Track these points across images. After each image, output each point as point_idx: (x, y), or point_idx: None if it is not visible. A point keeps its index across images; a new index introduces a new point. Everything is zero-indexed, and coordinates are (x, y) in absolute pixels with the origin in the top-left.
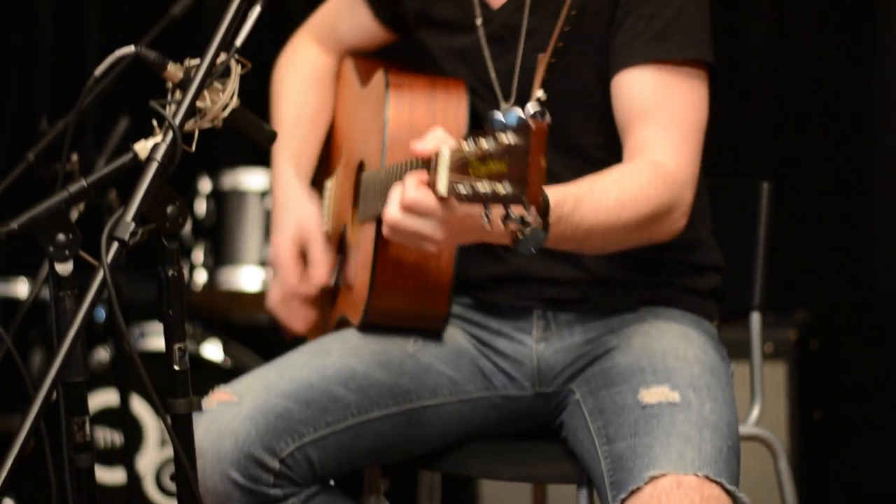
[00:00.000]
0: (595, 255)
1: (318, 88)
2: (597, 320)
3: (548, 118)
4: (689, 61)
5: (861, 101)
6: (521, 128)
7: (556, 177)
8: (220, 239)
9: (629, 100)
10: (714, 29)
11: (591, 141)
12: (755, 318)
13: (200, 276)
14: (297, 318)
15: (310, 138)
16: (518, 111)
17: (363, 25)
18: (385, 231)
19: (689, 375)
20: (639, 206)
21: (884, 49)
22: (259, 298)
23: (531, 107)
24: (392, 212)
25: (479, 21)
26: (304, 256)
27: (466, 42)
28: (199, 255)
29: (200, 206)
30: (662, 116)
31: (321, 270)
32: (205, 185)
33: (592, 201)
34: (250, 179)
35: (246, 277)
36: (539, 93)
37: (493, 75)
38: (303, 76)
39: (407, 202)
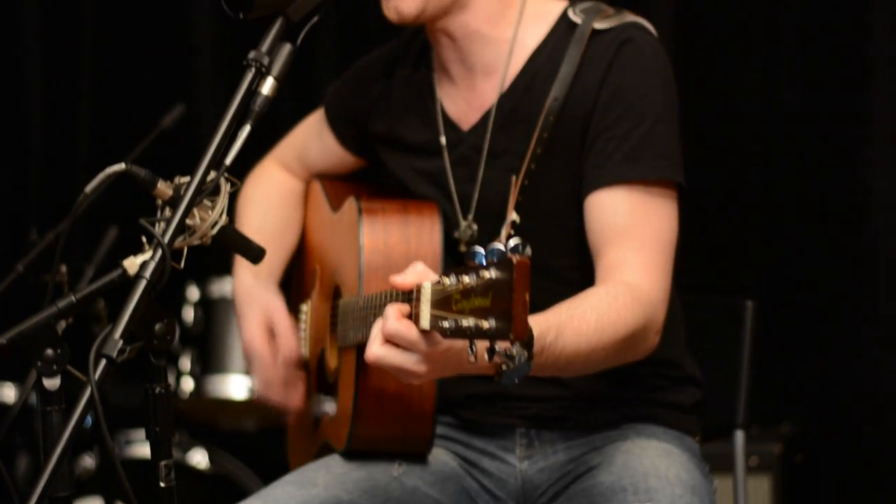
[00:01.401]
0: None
1: (284, 208)
2: (579, 437)
3: (528, 251)
4: (660, 181)
5: (841, 220)
6: (504, 263)
7: (533, 302)
8: (207, 347)
9: (602, 220)
10: (684, 152)
11: (564, 262)
12: (739, 437)
13: (187, 384)
14: (287, 397)
15: (275, 253)
16: (499, 245)
17: (330, 151)
18: (367, 360)
19: (671, 496)
20: (616, 329)
21: (870, 173)
22: (246, 407)
23: (512, 241)
24: (375, 346)
25: (444, 142)
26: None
27: (432, 164)
28: (186, 362)
29: (188, 314)
30: (635, 237)
31: (288, 339)
32: (192, 293)
33: (573, 328)
34: None
35: (233, 385)
36: (513, 215)
37: (455, 197)
38: (268, 196)
39: (389, 334)
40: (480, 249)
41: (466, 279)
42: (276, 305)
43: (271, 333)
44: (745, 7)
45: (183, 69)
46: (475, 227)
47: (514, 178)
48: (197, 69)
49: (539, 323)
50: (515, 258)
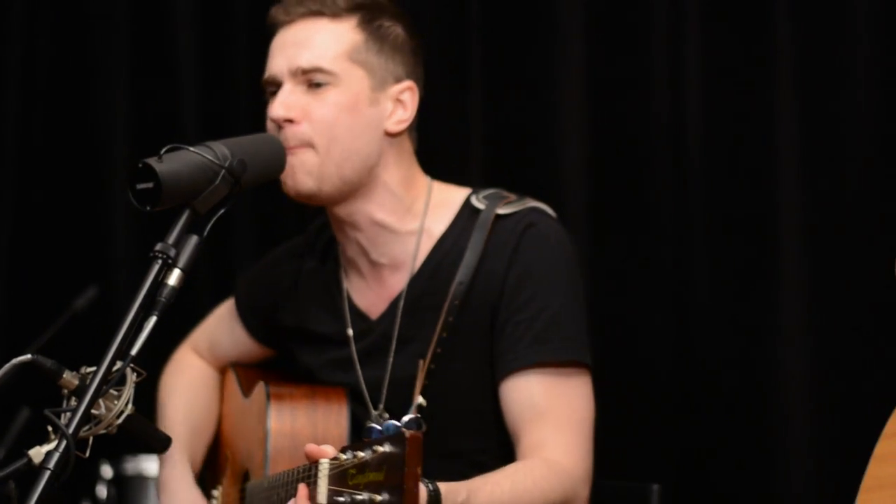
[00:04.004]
0: None
1: (205, 395)
2: None
3: (423, 427)
4: (571, 361)
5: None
6: (397, 437)
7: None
8: None
9: (519, 404)
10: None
11: (472, 445)
12: None
13: None
14: None
15: (198, 441)
16: (394, 421)
17: (241, 342)
18: None
19: None
20: (532, 498)
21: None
22: None
23: (407, 416)
24: None
25: (351, 333)
26: None
27: (341, 354)
28: None
29: (101, 492)
30: (552, 417)
31: None
32: (106, 470)
33: (486, 493)
34: (152, 466)
35: None
36: (419, 399)
37: (364, 386)
38: (189, 382)
39: None
40: (377, 426)
41: (361, 454)
42: (198, 500)
43: None
44: None
45: (99, 252)
46: (387, 415)
47: (420, 362)
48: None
49: (450, 485)
50: (408, 433)
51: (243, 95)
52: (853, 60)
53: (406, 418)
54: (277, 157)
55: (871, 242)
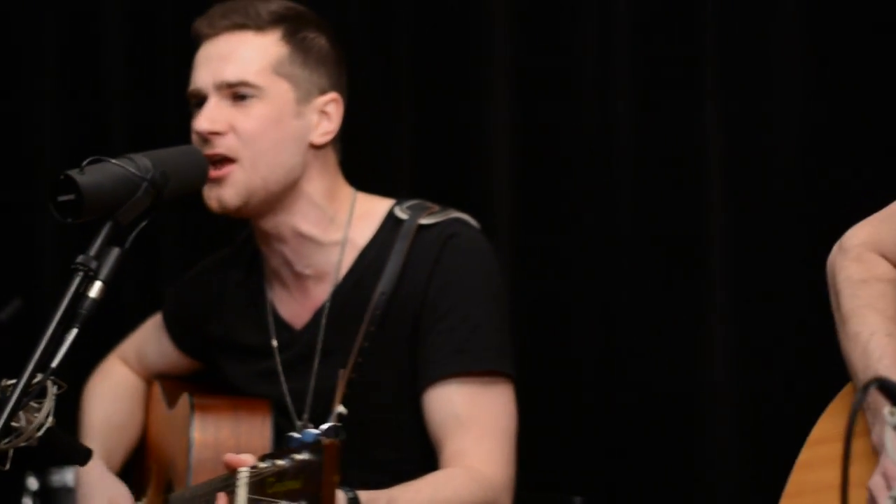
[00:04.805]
0: None
1: (127, 402)
2: None
3: (342, 435)
4: (491, 371)
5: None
6: (314, 445)
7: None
8: None
9: (440, 413)
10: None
11: (393, 455)
12: None
13: None
14: None
15: (117, 445)
16: (313, 430)
17: (167, 354)
18: None
19: None
20: None
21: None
22: None
23: (326, 425)
24: None
25: (275, 344)
26: None
27: (265, 366)
28: None
29: None
30: (474, 427)
31: None
32: (32, 482)
33: (406, 500)
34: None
35: None
36: (339, 408)
37: (287, 396)
38: (112, 390)
39: None
40: (296, 434)
41: (280, 462)
42: (123, 492)
43: None
44: None
45: (24, 264)
46: (311, 425)
47: (341, 371)
48: (39, 265)
49: (370, 493)
50: (325, 441)
51: (171, 108)
52: (779, 67)
53: (325, 426)
54: (200, 168)
55: (797, 252)
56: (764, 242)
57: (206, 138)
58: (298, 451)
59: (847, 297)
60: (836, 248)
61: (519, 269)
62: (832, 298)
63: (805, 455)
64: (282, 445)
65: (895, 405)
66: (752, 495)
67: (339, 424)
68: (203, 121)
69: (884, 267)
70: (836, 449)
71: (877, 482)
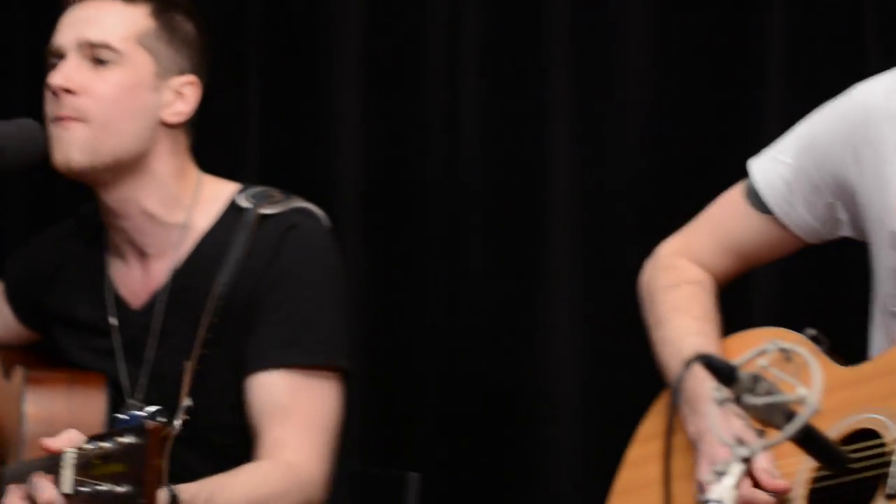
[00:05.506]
0: None
1: None
2: None
3: (169, 419)
4: (322, 364)
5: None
6: (139, 429)
7: (199, 476)
8: None
9: (262, 402)
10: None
11: (232, 440)
12: None
13: None
14: None
15: None
16: (140, 413)
17: (7, 324)
18: None
19: None
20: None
21: None
22: None
23: (153, 407)
24: None
25: (113, 322)
26: None
27: (103, 343)
28: None
29: None
30: (296, 418)
31: None
32: None
33: (225, 498)
34: None
35: None
36: (187, 401)
37: (125, 376)
38: None
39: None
40: (124, 416)
41: (106, 445)
42: None
43: None
44: None
45: None
46: (139, 406)
47: (187, 363)
48: None
49: (190, 488)
50: (150, 425)
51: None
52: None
53: (151, 409)
54: (35, 141)
55: (641, 241)
56: (608, 227)
57: (57, 94)
58: (123, 434)
59: (658, 303)
60: (648, 262)
61: (364, 257)
62: (646, 308)
63: (633, 453)
64: (110, 426)
65: (720, 381)
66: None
67: (162, 410)
68: (58, 76)
69: (693, 271)
70: (661, 445)
71: (703, 471)
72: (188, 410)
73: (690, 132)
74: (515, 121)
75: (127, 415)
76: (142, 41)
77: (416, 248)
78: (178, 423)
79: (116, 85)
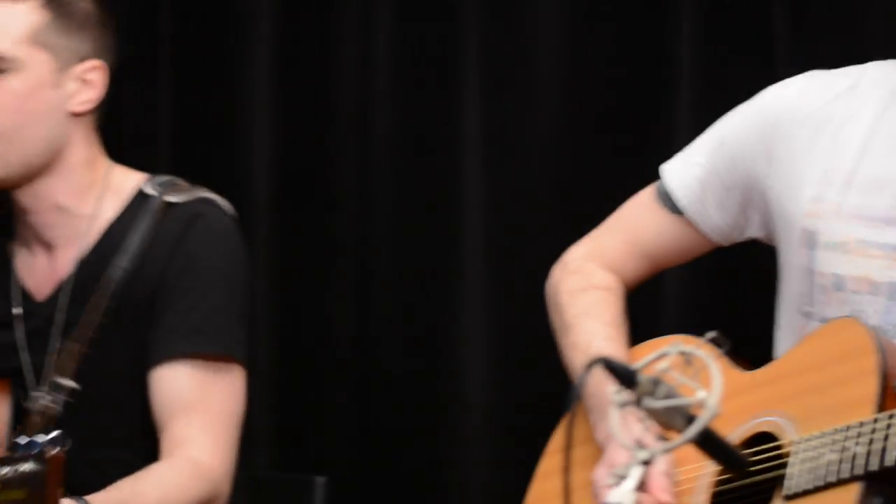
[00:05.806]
0: None
1: None
2: None
3: (67, 444)
4: (223, 356)
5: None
6: (38, 456)
7: (102, 470)
8: None
9: (165, 394)
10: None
11: (126, 431)
12: None
13: None
14: None
15: None
16: (39, 438)
17: None
18: None
19: None
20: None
21: None
22: None
23: (52, 434)
24: None
25: (17, 312)
26: None
27: (7, 336)
28: None
29: None
30: (198, 412)
31: None
32: None
33: None
34: None
35: None
36: (70, 382)
37: (28, 368)
38: None
39: None
40: (23, 440)
41: (3, 471)
42: None
43: None
44: None
45: None
46: (48, 398)
47: (71, 345)
48: None
49: (100, 500)
50: (50, 452)
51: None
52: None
53: (51, 435)
54: None
55: (551, 244)
56: (516, 233)
57: None
58: (23, 461)
59: (566, 307)
60: (556, 266)
61: (275, 255)
62: (553, 314)
63: (545, 465)
64: (7, 452)
65: (620, 384)
66: (500, 485)
67: (62, 436)
68: None
69: (602, 275)
70: (573, 455)
71: (600, 474)
72: (75, 394)
73: (601, 135)
74: (425, 120)
75: (26, 441)
76: (37, 39)
77: (327, 247)
78: (54, 402)
79: (15, 93)
